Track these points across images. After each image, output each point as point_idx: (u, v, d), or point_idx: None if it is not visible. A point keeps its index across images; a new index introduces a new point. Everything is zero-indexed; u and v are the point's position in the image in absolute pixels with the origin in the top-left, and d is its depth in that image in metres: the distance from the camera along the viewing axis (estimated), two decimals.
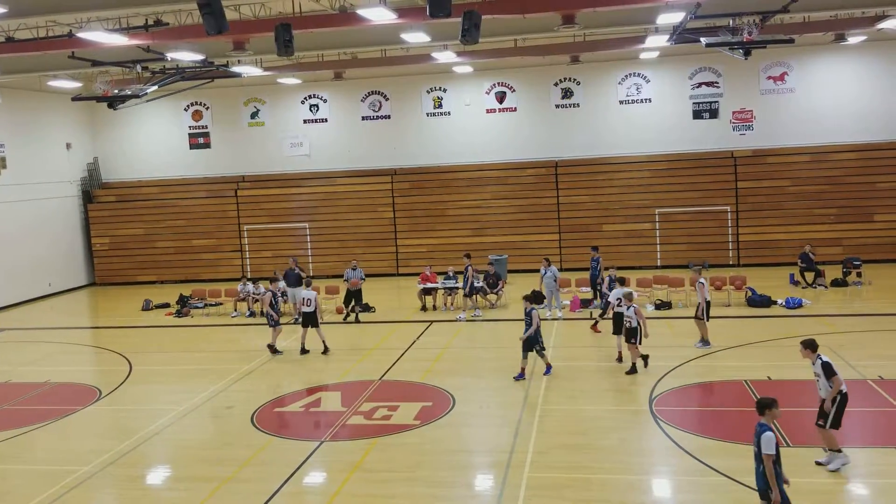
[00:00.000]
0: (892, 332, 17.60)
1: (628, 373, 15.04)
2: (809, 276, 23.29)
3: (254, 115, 30.86)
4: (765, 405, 8.31)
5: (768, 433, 7.96)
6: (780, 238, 26.88)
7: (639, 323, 15.08)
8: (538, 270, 21.12)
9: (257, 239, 30.41)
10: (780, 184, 27.19)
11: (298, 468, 11.33)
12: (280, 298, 22.97)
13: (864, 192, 26.69)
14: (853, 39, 24.86)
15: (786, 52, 26.44)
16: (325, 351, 17.74)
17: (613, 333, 16.19)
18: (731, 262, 27.15)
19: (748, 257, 27.09)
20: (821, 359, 10.61)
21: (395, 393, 14.88)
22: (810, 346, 10.75)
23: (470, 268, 21.68)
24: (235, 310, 23.65)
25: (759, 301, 20.84)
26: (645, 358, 15.30)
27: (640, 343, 15.11)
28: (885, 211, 26.59)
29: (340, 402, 14.35)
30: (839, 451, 10.48)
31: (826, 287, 22.92)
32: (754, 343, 17.09)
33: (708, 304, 16.79)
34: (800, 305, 20.44)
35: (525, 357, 15.12)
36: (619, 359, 15.82)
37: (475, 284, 22.58)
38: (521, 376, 14.98)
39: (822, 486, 10.02)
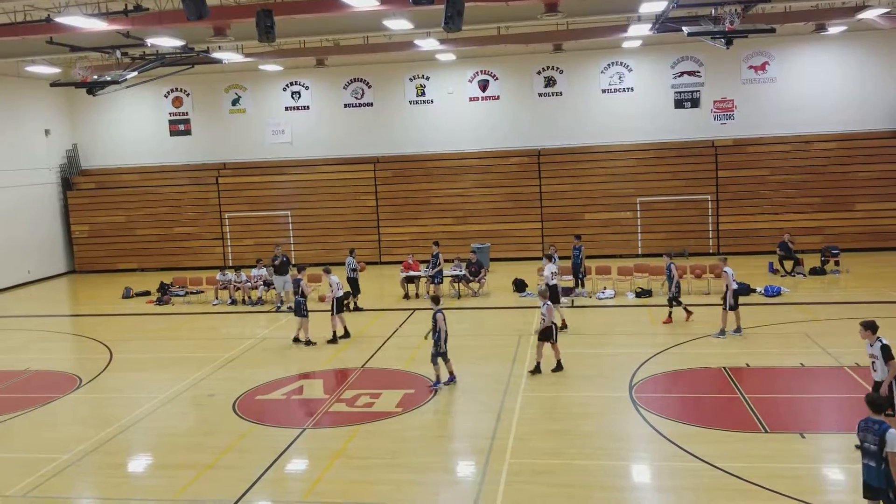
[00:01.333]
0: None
1: (532, 372, 14.49)
2: (788, 264, 23.54)
3: (235, 101, 30.63)
4: (881, 405, 7.97)
5: (892, 431, 7.61)
6: (759, 227, 27.11)
7: (553, 323, 14.51)
8: (522, 259, 21.11)
9: (239, 227, 30.25)
10: (760, 173, 27.40)
11: (280, 455, 11.34)
12: (262, 287, 22.99)
13: (843, 181, 26.96)
14: (833, 29, 25.07)
15: (767, 41, 26.58)
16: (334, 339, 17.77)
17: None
18: (710, 251, 27.36)
19: (728, 246, 27.29)
20: (881, 341, 10.44)
21: (377, 380, 14.91)
22: (870, 327, 10.60)
23: (440, 255, 21.73)
24: (216, 298, 23.55)
25: (739, 289, 20.98)
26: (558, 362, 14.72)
27: (555, 341, 14.58)
28: (864, 200, 26.88)
29: (323, 390, 14.36)
30: None
31: (804, 275, 23.18)
32: (736, 330, 17.24)
33: (735, 293, 16.47)
34: (778, 293, 20.66)
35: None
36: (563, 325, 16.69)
37: (457, 273, 22.66)
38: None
39: (794, 470, 10.16)
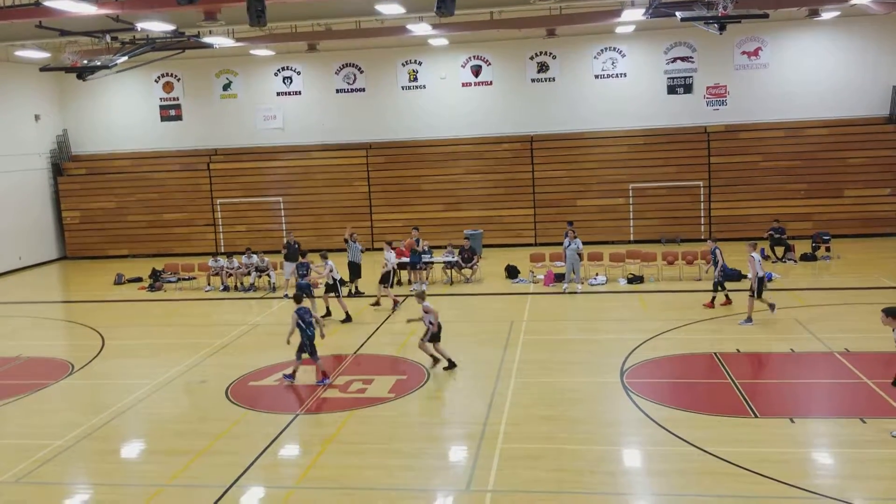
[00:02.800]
0: (859, 306, 17.95)
1: (446, 368, 14.28)
2: (779, 250, 23.64)
3: (226, 86, 30.45)
4: None
5: None
6: (751, 213, 27.19)
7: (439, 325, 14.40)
8: (515, 245, 21.09)
9: (230, 213, 30.17)
10: (753, 159, 27.45)
11: (273, 441, 11.38)
12: (255, 273, 22.96)
13: (834, 167, 27.04)
14: (827, 15, 25.04)
15: (760, 27, 26.55)
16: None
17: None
18: (702, 237, 27.42)
19: (720, 232, 27.31)
20: None
21: (369, 366, 14.95)
22: (891, 314, 10.71)
23: (420, 241, 21.77)
24: (209, 284, 23.51)
25: (730, 275, 21.08)
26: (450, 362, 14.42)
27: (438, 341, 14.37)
28: (854, 186, 26.99)
29: (315, 376, 14.36)
30: None
31: (795, 261, 23.29)
32: (724, 316, 17.34)
33: (760, 280, 16.30)
34: (769, 279, 20.72)
35: None
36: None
37: (450, 259, 22.67)
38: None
39: (783, 455, 10.25)
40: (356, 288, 21.42)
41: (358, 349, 16.08)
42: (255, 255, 23.39)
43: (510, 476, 9.90)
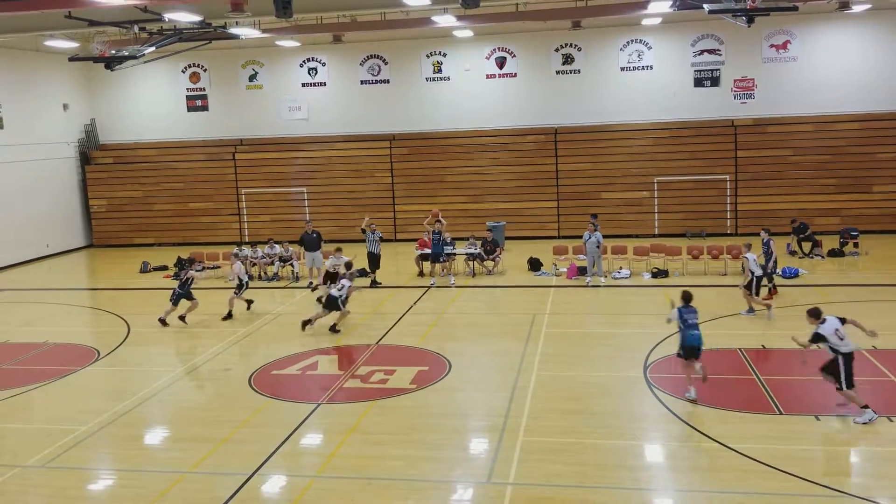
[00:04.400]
0: (887, 303, 17.69)
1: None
2: (806, 245, 23.34)
3: (252, 77, 30.59)
4: None
5: None
6: (778, 207, 26.84)
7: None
8: (537, 237, 20.99)
9: (255, 203, 30.36)
10: (780, 153, 27.08)
11: (295, 430, 11.45)
12: (279, 263, 23.09)
13: (864, 162, 26.61)
14: (857, 7, 24.57)
15: (789, 19, 26.15)
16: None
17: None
18: (728, 231, 27.17)
19: (746, 227, 27.06)
20: (817, 329, 11.29)
21: (391, 357, 14.98)
22: (812, 314, 11.48)
23: (442, 233, 21.72)
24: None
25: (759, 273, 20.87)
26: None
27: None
28: (884, 182, 26.55)
29: (337, 366, 14.45)
30: (865, 406, 10.92)
31: (823, 257, 22.98)
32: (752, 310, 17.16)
33: (757, 278, 16.71)
34: (796, 275, 20.51)
35: None
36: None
37: (472, 251, 22.62)
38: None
39: (808, 452, 10.13)
40: (375, 279, 21.45)
41: (380, 339, 16.12)
42: (277, 246, 23.49)
43: (531, 469, 9.89)
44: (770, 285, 18.25)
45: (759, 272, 16.81)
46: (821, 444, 10.49)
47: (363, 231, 21.50)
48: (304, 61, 30.11)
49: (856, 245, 23.46)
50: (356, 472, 10.02)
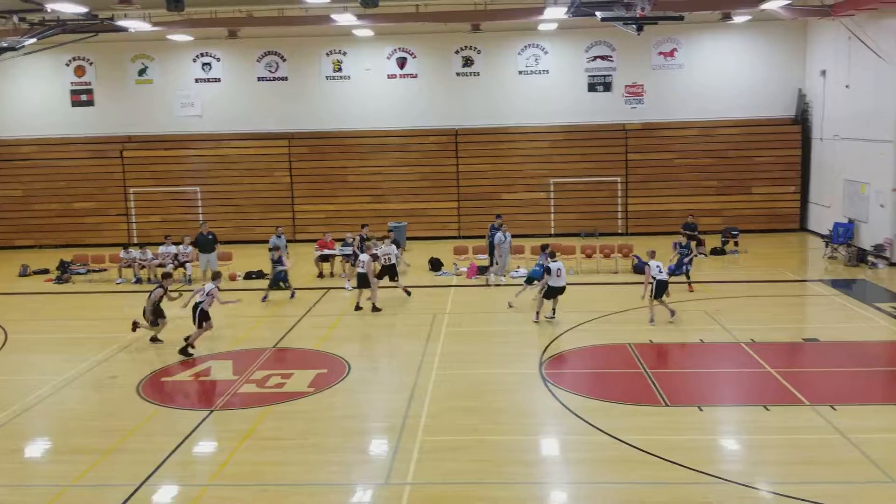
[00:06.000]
0: (765, 298, 18.76)
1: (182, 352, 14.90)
2: (691, 244, 24.40)
3: (141, 72, 29.43)
4: None
5: None
6: (665, 209, 28.02)
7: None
8: (439, 238, 21.11)
9: (144, 203, 29.23)
10: (668, 156, 28.29)
11: (187, 438, 11.10)
12: (171, 265, 22.31)
13: (743, 165, 28.12)
14: (738, 19, 25.98)
15: (676, 29, 27.33)
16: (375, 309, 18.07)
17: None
18: (619, 231, 28.15)
19: (636, 227, 28.16)
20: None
21: (289, 360, 14.75)
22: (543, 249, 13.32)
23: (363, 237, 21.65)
24: (120, 276, 22.73)
25: (644, 268, 21.73)
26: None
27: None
28: (761, 184, 28.15)
29: (232, 371, 14.09)
30: None
31: (706, 255, 24.14)
32: (639, 308, 17.81)
33: (659, 283, 16.41)
34: (681, 273, 21.39)
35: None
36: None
37: (374, 252, 22.50)
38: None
39: (692, 442, 10.62)
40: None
41: (278, 342, 15.84)
42: (179, 245, 22.63)
43: (429, 468, 9.94)
44: (687, 281, 19.32)
45: (662, 277, 16.61)
46: (704, 434, 11.01)
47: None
48: (197, 56, 29.22)
49: (736, 243, 24.77)
50: (251, 479, 9.81)
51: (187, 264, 22.24)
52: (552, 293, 16.78)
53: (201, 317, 15.18)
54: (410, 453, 10.36)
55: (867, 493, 9.03)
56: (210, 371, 14.21)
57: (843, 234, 23.66)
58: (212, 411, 12.13)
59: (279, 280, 19.59)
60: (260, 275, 22.34)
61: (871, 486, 9.19)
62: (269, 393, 12.87)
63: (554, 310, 17.02)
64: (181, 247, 22.56)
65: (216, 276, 16.63)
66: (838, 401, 11.74)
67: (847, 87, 24.27)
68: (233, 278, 22.12)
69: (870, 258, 22.13)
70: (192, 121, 29.45)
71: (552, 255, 17.43)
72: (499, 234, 21.18)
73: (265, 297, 19.31)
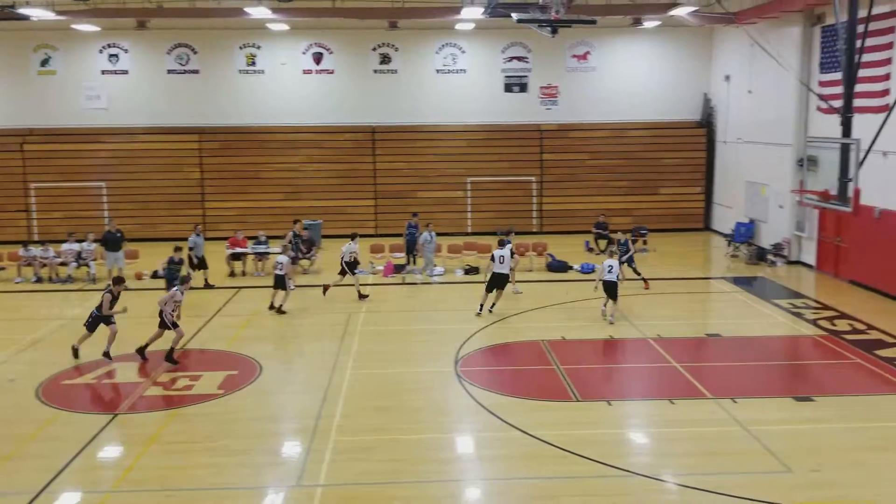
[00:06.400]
0: (671, 295, 19.42)
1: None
2: (603, 243, 25.08)
3: (44, 62, 28.06)
4: None
5: None
6: (578, 207, 28.64)
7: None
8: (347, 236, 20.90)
9: (46, 198, 27.92)
10: (581, 157, 28.91)
11: (89, 443, 10.67)
12: (73, 263, 21.40)
13: (651, 166, 29.02)
14: (648, 24, 26.79)
15: (589, 32, 27.90)
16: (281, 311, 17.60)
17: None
18: (534, 230, 28.60)
19: (550, 225, 28.68)
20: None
21: (197, 362, 14.36)
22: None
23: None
24: (19, 275, 21.65)
25: (558, 266, 22.26)
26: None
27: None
28: (669, 185, 29.12)
29: (137, 373, 13.63)
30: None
31: (647, 252, 24.78)
32: (552, 305, 18.18)
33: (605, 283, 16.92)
34: (593, 270, 21.96)
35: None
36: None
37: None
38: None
39: (602, 436, 10.90)
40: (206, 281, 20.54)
41: (185, 344, 15.38)
42: (82, 242, 21.68)
43: (342, 469, 9.87)
44: (640, 278, 19.72)
45: (610, 277, 16.68)
46: (612, 428, 11.31)
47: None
48: (104, 47, 28.09)
49: (645, 242, 25.54)
50: (156, 483, 9.51)
51: (91, 263, 21.38)
52: (492, 283, 17.21)
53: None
54: (323, 454, 10.25)
55: (765, 483, 9.44)
56: (115, 374, 13.69)
57: (744, 234, 24.73)
58: (116, 415, 11.70)
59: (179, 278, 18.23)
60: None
61: (770, 476, 9.62)
62: (177, 395, 12.51)
63: (494, 304, 17.33)
64: (84, 244, 21.67)
65: (118, 281, 15.20)
66: (739, 394, 12.26)
67: (749, 92, 25.35)
68: (139, 277, 21.38)
69: (769, 257, 23.19)
70: (98, 114, 28.30)
71: (501, 244, 17.86)
72: (425, 234, 21.24)
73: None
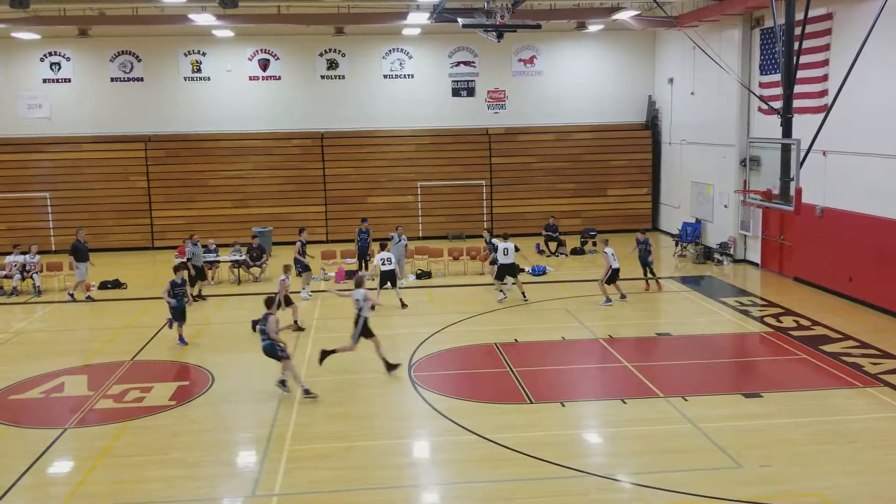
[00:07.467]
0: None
1: None
2: (553, 245, 25.43)
3: None
4: None
5: None
6: (528, 210, 28.96)
7: None
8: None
9: None
10: (528, 160, 29.27)
11: (38, 458, 10.45)
12: (18, 276, 20.87)
13: (599, 168, 29.51)
14: (592, 28, 27.26)
15: (535, 36, 28.27)
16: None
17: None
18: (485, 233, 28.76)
19: (500, 228, 28.76)
20: None
21: (148, 373, 14.14)
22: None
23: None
24: None
25: (536, 270, 22.46)
26: None
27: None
28: (616, 186, 29.65)
29: (87, 386, 13.37)
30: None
31: (567, 255, 25.17)
32: (504, 308, 18.36)
33: (614, 270, 18.46)
34: (544, 273, 22.29)
35: None
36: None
37: (237, 258, 22.02)
38: None
39: (555, 437, 11.07)
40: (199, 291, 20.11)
41: (136, 355, 15.15)
42: (26, 254, 21.12)
43: (297, 478, 9.84)
44: (654, 278, 20.20)
45: (616, 265, 18.46)
46: (566, 429, 11.47)
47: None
48: (45, 55, 27.46)
49: (594, 244, 25.96)
50: (108, 498, 9.36)
51: (35, 275, 20.87)
52: (502, 271, 18.49)
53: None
54: (278, 464, 10.22)
55: (716, 479, 9.63)
56: (63, 387, 13.41)
57: (691, 234, 25.33)
58: (65, 429, 11.47)
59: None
60: (116, 284, 21.33)
61: (720, 472, 9.81)
62: (128, 408, 12.31)
63: (523, 293, 18.93)
64: (28, 256, 21.14)
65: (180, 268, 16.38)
66: (690, 392, 12.53)
67: (692, 94, 25.99)
68: (87, 289, 20.92)
69: (716, 255, 23.79)
70: (40, 123, 27.66)
71: (504, 237, 19.33)
72: (394, 236, 21.30)
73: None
